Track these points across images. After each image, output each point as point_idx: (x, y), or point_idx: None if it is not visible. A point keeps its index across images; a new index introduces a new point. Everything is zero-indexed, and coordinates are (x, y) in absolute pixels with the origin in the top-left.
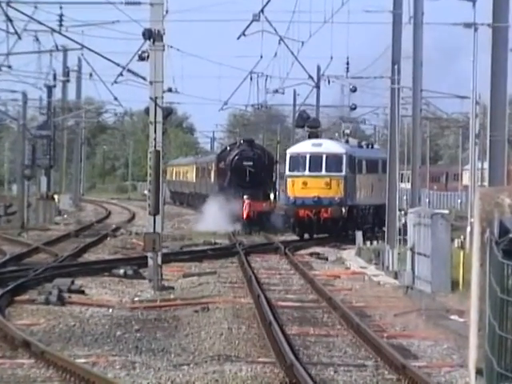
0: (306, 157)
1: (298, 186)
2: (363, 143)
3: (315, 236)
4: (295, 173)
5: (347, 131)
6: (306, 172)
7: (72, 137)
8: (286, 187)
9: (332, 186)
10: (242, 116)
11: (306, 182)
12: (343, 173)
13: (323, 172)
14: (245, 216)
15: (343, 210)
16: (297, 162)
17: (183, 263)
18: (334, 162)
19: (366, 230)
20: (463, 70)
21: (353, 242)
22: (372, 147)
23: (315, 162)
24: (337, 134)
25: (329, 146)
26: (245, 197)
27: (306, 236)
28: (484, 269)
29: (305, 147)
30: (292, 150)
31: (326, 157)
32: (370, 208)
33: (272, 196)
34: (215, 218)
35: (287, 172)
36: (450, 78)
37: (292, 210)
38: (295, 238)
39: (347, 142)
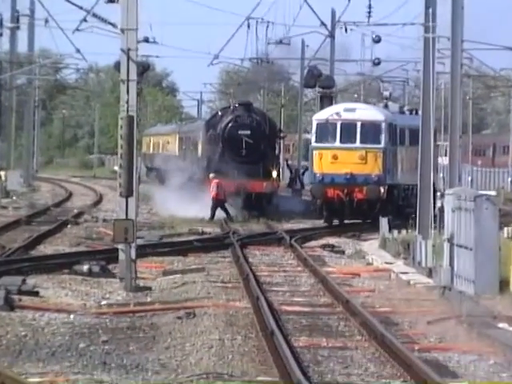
0: (336, 124)
1: (327, 161)
2: (406, 108)
3: (346, 221)
4: (323, 144)
5: (386, 93)
6: (337, 143)
7: (23, 98)
8: (313, 161)
9: (368, 160)
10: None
11: (336, 156)
12: (382, 145)
13: (357, 143)
14: (214, 197)
15: (381, 189)
16: (325, 130)
17: (163, 257)
18: (370, 131)
19: (409, 214)
20: None
21: (376, 230)
22: (417, 113)
23: (348, 130)
24: (356, 96)
25: (364, 112)
26: (211, 175)
27: (336, 222)
28: None
29: (335, 113)
30: (319, 116)
31: (362, 125)
32: (414, 188)
33: (275, 173)
34: (203, 200)
35: (313, 143)
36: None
37: (319, 190)
38: (303, 226)
39: (386, 106)
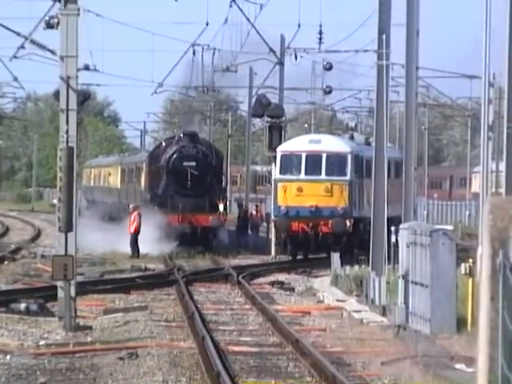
0: (301, 156)
1: (292, 193)
2: (372, 139)
3: (311, 256)
4: (288, 176)
5: (352, 124)
6: (302, 175)
7: None
8: (277, 194)
9: (334, 192)
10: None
11: (301, 188)
12: (348, 177)
13: (323, 175)
14: (132, 230)
15: (348, 223)
16: (290, 162)
17: (104, 295)
18: (336, 163)
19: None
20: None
21: (328, 266)
22: None
23: (313, 162)
24: (306, 125)
25: (330, 144)
26: (131, 206)
27: (300, 256)
28: (495, 304)
29: (300, 144)
30: (284, 148)
31: (327, 156)
32: None
33: (221, 207)
34: (146, 235)
35: (277, 175)
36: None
37: (283, 223)
38: (251, 261)
39: (352, 138)
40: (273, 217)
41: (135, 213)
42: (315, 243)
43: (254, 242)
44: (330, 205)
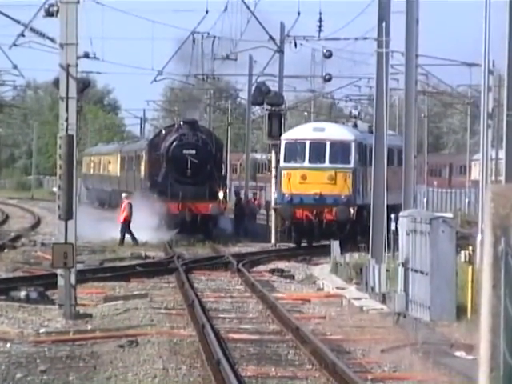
0: (305, 144)
1: (296, 181)
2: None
3: (315, 244)
4: (292, 164)
5: (355, 112)
6: (306, 163)
7: None
8: (281, 182)
9: (338, 180)
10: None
11: (305, 176)
12: (351, 165)
13: (327, 163)
14: (121, 220)
15: (351, 210)
16: (294, 150)
17: (104, 283)
18: (340, 150)
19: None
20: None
21: (328, 253)
22: None
23: (317, 150)
24: (306, 114)
25: (334, 132)
26: (123, 195)
27: (305, 243)
28: (497, 291)
29: (304, 132)
30: (288, 136)
31: (331, 144)
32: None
33: (221, 194)
34: (145, 223)
35: (282, 163)
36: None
37: (287, 211)
38: (251, 249)
39: (355, 126)
40: (275, 204)
41: (125, 202)
42: (319, 231)
43: (251, 229)
44: (333, 192)
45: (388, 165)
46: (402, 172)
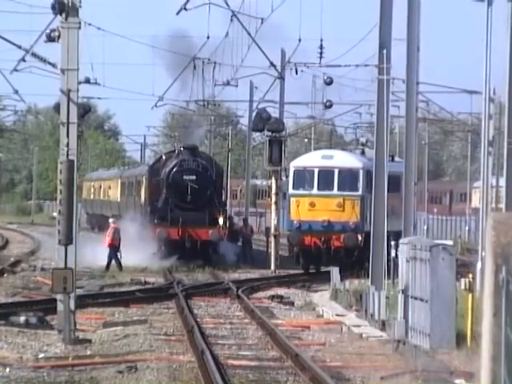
0: (314, 172)
1: (304, 208)
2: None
3: (323, 269)
4: (301, 191)
5: (363, 140)
6: (314, 190)
7: None
8: (290, 209)
9: (346, 207)
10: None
11: (313, 203)
12: (360, 192)
13: (335, 191)
14: (106, 243)
15: (359, 237)
16: (303, 177)
17: (104, 308)
18: (348, 178)
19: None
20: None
21: (327, 280)
22: (392, 160)
23: (325, 178)
24: (306, 140)
25: (342, 159)
26: (110, 220)
27: (312, 270)
28: (498, 319)
29: (312, 160)
30: (297, 163)
31: (339, 172)
32: (390, 235)
33: (221, 221)
34: (145, 249)
35: (291, 190)
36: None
37: (296, 237)
38: (251, 275)
39: (363, 153)
40: (275, 231)
41: (112, 226)
42: (327, 257)
43: (242, 255)
44: (341, 219)
45: (396, 191)
46: (403, 199)
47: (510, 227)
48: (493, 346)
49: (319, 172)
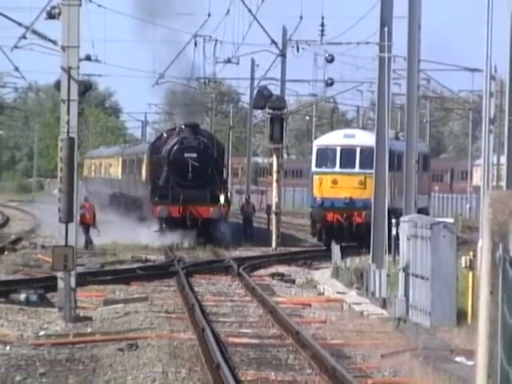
0: (336, 150)
1: (327, 185)
2: (400, 134)
3: (344, 244)
4: (323, 169)
5: None
6: (337, 168)
7: None
8: (313, 186)
9: (367, 185)
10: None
11: (336, 181)
12: None
13: (357, 169)
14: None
15: None
16: (325, 156)
17: (104, 286)
18: (370, 156)
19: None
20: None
21: (328, 258)
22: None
23: (347, 156)
24: (307, 118)
25: (364, 138)
26: (83, 198)
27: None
28: (495, 297)
29: (335, 139)
30: (319, 142)
31: (361, 150)
32: (397, 213)
33: (222, 198)
34: (147, 226)
35: (313, 168)
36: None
37: (319, 214)
38: (252, 253)
39: None
40: (276, 208)
41: (87, 205)
42: (349, 233)
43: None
44: (363, 196)
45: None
46: (430, 177)
47: (507, 205)
48: (489, 324)
49: (341, 150)
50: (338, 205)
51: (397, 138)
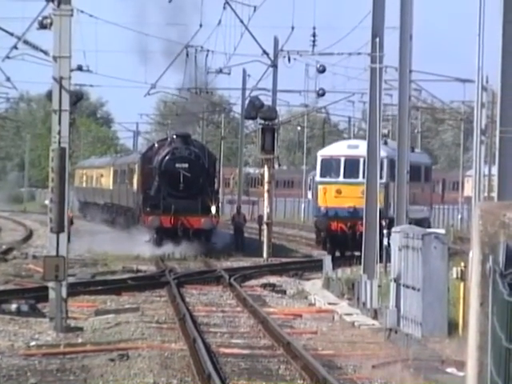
0: (340, 160)
1: (331, 195)
2: (389, 141)
3: (348, 254)
4: (327, 179)
5: (385, 131)
6: (341, 178)
7: None
8: (317, 195)
9: None
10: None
11: (340, 190)
12: (384, 180)
13: (360, 178)
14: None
15: (383, 223)
16: (329, 166)
17: (95, 296)
18: None
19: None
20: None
21: (319, 269)
22: (413, 150)
23: (351, 166)
24: (299, 128)
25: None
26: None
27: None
28: (485, 309)
29: (339, 149)
30: (324, 152)
31: (364, 161)
32: (411, 222)
33: (214, 209)
34: (137, 236)
35: (318, 178)
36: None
37: (323, 223)
38: (243, 264)
39: (386, 143)
40: (267, 219)
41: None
42: (353, 242)
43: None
44: None
45: (416, 180)
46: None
47: (497, 217)
48: (479, 335)
49: (345, 161)
50: (341, 214)
51: (385, 143)
